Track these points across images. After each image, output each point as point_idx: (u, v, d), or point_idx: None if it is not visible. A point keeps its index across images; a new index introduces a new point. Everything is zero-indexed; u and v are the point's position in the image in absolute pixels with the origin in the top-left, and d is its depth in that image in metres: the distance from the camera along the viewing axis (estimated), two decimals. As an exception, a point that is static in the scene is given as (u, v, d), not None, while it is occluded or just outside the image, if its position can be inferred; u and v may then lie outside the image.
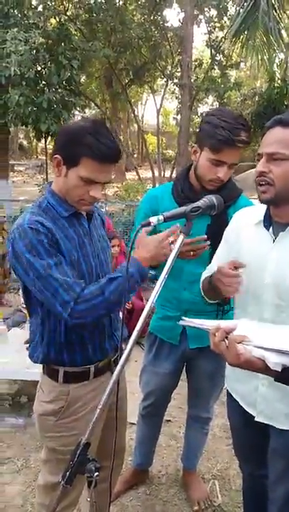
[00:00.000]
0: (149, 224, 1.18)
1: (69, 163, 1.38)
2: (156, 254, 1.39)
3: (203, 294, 1.66)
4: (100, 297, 1.36)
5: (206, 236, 1.71)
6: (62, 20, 9.32)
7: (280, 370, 1.05)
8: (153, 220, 1.18)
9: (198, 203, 1.26)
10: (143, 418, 2.26)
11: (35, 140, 15.69)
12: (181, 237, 1.22)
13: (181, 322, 1.25)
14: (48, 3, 9.00)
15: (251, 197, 2.13)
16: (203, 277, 1.68)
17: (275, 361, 1.03)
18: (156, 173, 13.03)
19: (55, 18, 9.52)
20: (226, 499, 2.31)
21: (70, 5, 10.59)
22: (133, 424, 2.48)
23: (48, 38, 8.67)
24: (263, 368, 1.07)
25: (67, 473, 1.08)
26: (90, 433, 1.10)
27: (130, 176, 17.51)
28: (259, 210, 1.48)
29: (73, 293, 1.34)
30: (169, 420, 2.91)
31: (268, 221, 1.43)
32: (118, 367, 1.10)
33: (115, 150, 1.38)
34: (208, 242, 1.71)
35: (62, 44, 8.71)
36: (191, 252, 1.73)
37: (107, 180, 1.43)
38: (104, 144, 1.34)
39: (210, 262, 1.80)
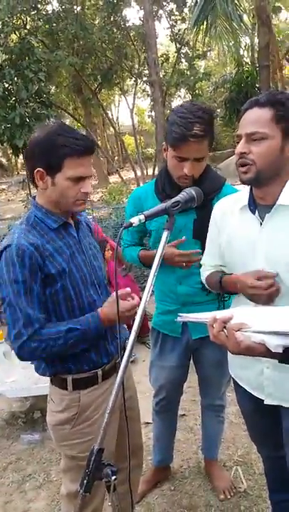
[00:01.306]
0: (130, 225, 1.18)
1: (52, 170, 1.39)
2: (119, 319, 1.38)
3: (209, 288, 1.66)
4: (54, 342, 1.39)
5: (199, 250, 1.74)
6: (22, 34, 9.30)
7: (281, 352, 1.05)
8: (134, 220, 1.18)
9: (178, 198, 1.26)
10: (157, 414, 2.26)
11: (14, 157, 15.65)
12: (165, 233, 1.22)
13: (178, 319, 1.26)
14: (6, 19, 8.94)
15: (235, 184, 2.14)
16: (204, 274, 1.67)
17: (275, 343, 1.04)
18: (139, 173, 13.02)
19: (15, 33, 9.48)
20: (251, 483, 2.32)
21: (29, 18, 10.52)
22: (149, 423, 2.49)
23: (11, 54, 8.64)
24: (264, 352, 1.07)
25: (85, 481, 1.08)
26: (101, 438, 1.10)
27: (113, 179, 17.50)
28: (242, 195, 1.48)
29: (31, 328, 1.37)
30: (184, 414, 2.91)
31: (252, 205, 1.42)
32: (121, 367, 1.11)
33: (89, 140, 1.42)
34: (201, 257, 1.73)
35: (26, 58, 8.68)
36: (184, 264, 1.77)
37: (91, 173, 1.45)
38: (77, 139, 1.37)
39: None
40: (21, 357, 1.42)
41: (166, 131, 1.73)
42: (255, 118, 1.29)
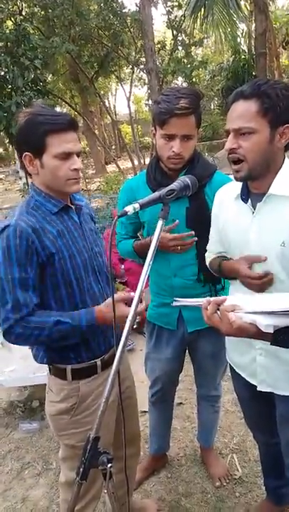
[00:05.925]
0: (125, 214, 1.18)
1: (38, 152, 1.39)
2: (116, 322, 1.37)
3: (212, 272, 1.68)
4: (39, 332, 1.37)
5: (193, 232, 1.73)
6: (18, 20, 9.15)
7: (272, 332, 1.06)
8: (129, 209, 1.17)
9: (172, 186, 1.26)
10: (153, 404, 2.28)
11: (10, 146, 15.51)
12: (160, 222, 1.22)
13: (174, 303, 1.28)
14: (1, 5, 8.80)
15: (231, 174, 2.13)
16: (208, 258, 1.69)
17: (265, 323, 1.05)
18: (136, 162, 12.94)
19: (10, 19, 9.33)
20: (246, 470, 2.35)
21: (24, 4, 10.35)
22: (146, 412, 2.51)
23: (6, 41, 8.51)
24: (255, 333, 1.09)
25: (81, 469, 1.09)
26: (97, 426, 1.11)
27: (111, 168, 17.40)
28: (238, 184, 1.49)
29: (18, 314, 1.36)
30: (181, 403, 2.94)
31: (245, 194, 1.44)
32: (116, 357, 1.12)
33: (69, 116, 1.42)
34: (196, 238, 1.73)
35: (22, 45, 8.55)
36: (179, 247, 1.75)
37: (78, 149, 1.44)
38: (56, 115, 1.38)
39: (196, 247, 1.81)
40: (8, 340, 1.42)
41: (154, 113, 1.73)
42: (241, 112, 1.27)
